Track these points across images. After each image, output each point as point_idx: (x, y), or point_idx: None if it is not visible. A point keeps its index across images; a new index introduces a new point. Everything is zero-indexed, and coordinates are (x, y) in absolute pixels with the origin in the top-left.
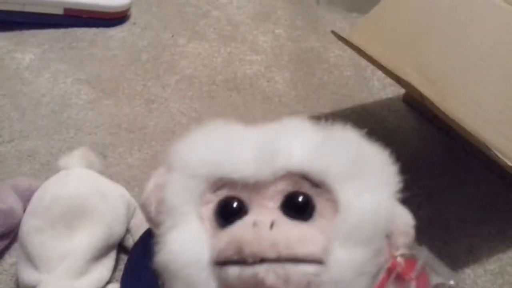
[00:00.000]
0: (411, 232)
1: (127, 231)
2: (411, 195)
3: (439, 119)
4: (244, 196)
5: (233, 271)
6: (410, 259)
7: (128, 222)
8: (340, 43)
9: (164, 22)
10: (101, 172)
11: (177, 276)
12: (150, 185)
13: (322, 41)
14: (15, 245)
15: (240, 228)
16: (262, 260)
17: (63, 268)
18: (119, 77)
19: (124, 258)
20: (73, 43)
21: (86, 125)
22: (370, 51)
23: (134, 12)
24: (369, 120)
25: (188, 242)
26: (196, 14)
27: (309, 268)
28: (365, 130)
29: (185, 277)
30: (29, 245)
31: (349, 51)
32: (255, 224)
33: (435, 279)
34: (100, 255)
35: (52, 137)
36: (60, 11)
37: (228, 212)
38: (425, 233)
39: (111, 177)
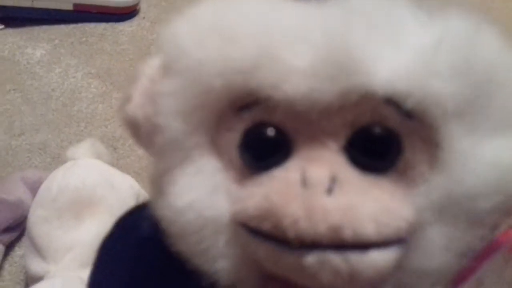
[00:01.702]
0: None
1: None
2: None
3: None
4: (287, 124)
5: (267, 249)
6: None
7: None
8: None
9: (173, 16)
10: (112, 164)
11: (186, 240)
12: (138, 85)
13: None
14: (25, 237)
15: (279, 187)
16: (314, 245)
17: (70, 259)
18: (128, 71)
19: None
20: (83, 38)
21: (96, 118)
22: None
23: (143, 7)
24: None
25: (201, 191)
26: None
27: (385, 255)
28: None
29: (196, 243)
30: (36, 235)
31: None
32: (304, 183)
33: None
34: None
35: (62, 130)
36: (69, 7)
37: (261, 148)
38: None
39: (121, 169)
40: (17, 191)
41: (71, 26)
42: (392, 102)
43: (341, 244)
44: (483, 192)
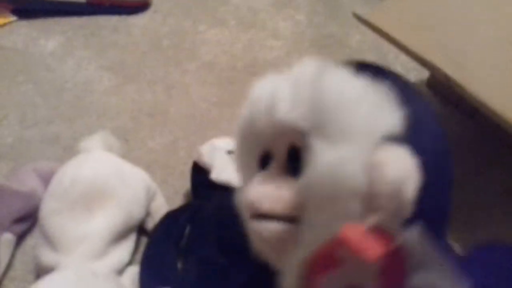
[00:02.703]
0: (402, 195)
1: (148, 214)
2: None
3: (464, 103)
4: (272, 149)
5: (249, 222)
6: (384, 234)
7: (148, 205)
8: (361, 28)
9: (185, 9)
10: (123, 157)
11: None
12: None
13: (343, 27)
14: (37, 227)
15: (249, 185)
16: (256, 216)
17: (81, 250)
18: (140, 64)
19: (144, 240)
20: (95, 31)
21: (109, 111)
22: (393, 33)
23: (155, 0)
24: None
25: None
26: (216, 1)
27: (277, 226)
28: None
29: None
30: (48, 227)
31: (370, 36)
32: (251, 185)
33: (420, 278)
34: (119, 238)
35: (75, 122)
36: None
37: (263, 165)
38: (450, 219)
39: (132, 161)
40: (29, 182)
41: (84, 18)
42: (294, 129)
43: (257, 215)
44: (324, 183)
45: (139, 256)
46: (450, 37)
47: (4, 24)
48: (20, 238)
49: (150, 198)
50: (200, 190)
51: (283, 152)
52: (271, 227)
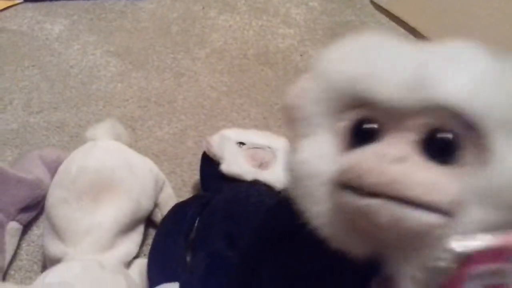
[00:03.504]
0: None
1: (156, 205)
2: None
3: None
4: (382, 120)
5: (348, 197)
6: None
7: (157, 197)
8: (377, 16)
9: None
10: (130, 146)
11: (299, 185)
12: (296, 88)
13: (358, 15)
14: (43, 217)
15: (366, 155)
16: (379, 194)
17: (88, 242)
18: (148, 50)
19: (152, 232)
20: (102, 15)
21: (115, 98)
22: (412, 22)
23: None
24: None
25: (316, 153)
26: None
27: (428, 217)
28: None
29: (305, 188)
30: (54, 217)
31: (387, 24)
32: (382, 155)
33: None
34: (127, 229)
35: (80, 109)
36: None
37: (362, 133)
38: None
39: (139, 150)
40: (35, 170)
41: (90, 2)
42: (457, 115)
43: (397, 198)
44: None
45: (147, 248)
46: (471, 28)
47: (10, 7)
48: (27, 227)
49: (158, 189)
50: (210, 182)
51: (417, 130)
52: (423, 218)
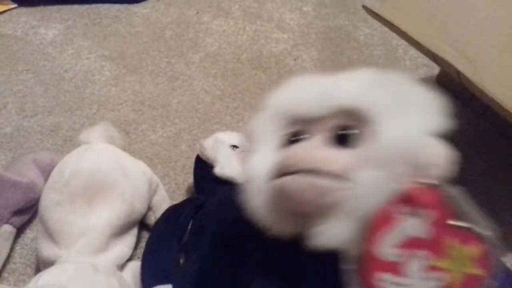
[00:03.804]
0: (443, 165)
1: (149, 208)
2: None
3: (475, 101)
4: (308, 129)
5: (276, 181)
6: (436, 190)
7: (150, 200)
8: (370, 21)
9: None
10: (124, 149)
11: (249, 187)
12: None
13: (351, 19)
14: (36, 220)
15: (291, 149)
16: (295, 172)
17: (82, 244)
18: (142, 54)
19: (146, 235)
20: (96, 19)
21: (109, 102)
22: (404, 27)
23: None
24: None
25: (262, 160)
26: None
27: (324, 181)
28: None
29: (252, 188)
30: (48, 219)
31: (379, 29)
32: (300, 146)
33: (463, 222)
34: (120, 232)
35: (75, 112)
36: None
37: (294, 139)
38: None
39: (133, 154)
40: (29, 173)
41: (85, 7)
42: (355, 113)
43: (306, 171)
44: (392, 151)
45: (140, 251)
46: (462, 32)
47: (4, 11)
48: (20, 230)
49: (152, 192)
50: (203, 184)
51: (326, 129)
52: (326, 183)
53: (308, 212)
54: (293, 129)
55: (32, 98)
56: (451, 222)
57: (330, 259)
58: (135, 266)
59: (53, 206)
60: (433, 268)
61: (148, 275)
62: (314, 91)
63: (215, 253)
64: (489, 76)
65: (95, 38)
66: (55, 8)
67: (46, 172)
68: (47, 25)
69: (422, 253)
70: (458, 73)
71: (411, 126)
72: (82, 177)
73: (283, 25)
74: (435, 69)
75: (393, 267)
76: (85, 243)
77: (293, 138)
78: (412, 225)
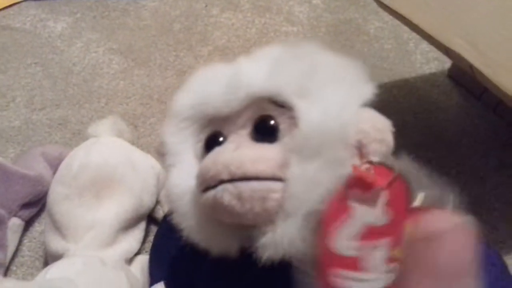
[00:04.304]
0: (387, 139)
1: (157, 202)
2: (456, 174)
3: (487, 95)
4: (224, 129)
5: (203, 196)
6: (384, 168)
7: (158, 193)
8: (381, 14)
9: None
10: (132, 143)
11: (175, 207)
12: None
13: (361, 12)
14: (45, 213)
15: (208, 157)
16: (221, 182)
17: (90, 238)
18: (151, 47)
19: (154, 229)
20: (105, 13)
21: (117, 95)
22: (416, 19)
23: None
24: (411, 96)
25: (183, 176)
26: None
27: (259, 185)
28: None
29: (179, 208)
30: (56, 213)
31: (390, 22)
32: (217, 152)
33: (421, 193)
34: (128, 226)
35: (83, 106)
36: None
37: (212, 145)
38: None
39: (142, 147)
40: (37, 166)
41: (93, 0)
42: (270, 100)
43: (234, 178)
44: (316, 136)
45: (148, 245)
46: (475, 25)
47: (13, 4)
48: (29, 223)
49: (160, 186)
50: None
51: (246, 124)
52: (257, 187)
53: (249, 222)
54: (209, 131)
55: (41, 92)
56: (407, 202)
57: (287, 269)
58: (144, 260)
59: (61, 199)
60: (393, 258)
61: (156, 269)
62: (218, 84)
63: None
64: (503, 69)
65: (103, 31)
66: (63, 1)
67: (55, 165)
68: (56, 18)
69: (382, 242)
70: (471, 66)
71: (333, 104)
72: (90, 171)
73: (292, 18)
74: (447, 63)
75: (353, 262)
76: (93, 237)
77: (211, 142)
78: (366, 212)
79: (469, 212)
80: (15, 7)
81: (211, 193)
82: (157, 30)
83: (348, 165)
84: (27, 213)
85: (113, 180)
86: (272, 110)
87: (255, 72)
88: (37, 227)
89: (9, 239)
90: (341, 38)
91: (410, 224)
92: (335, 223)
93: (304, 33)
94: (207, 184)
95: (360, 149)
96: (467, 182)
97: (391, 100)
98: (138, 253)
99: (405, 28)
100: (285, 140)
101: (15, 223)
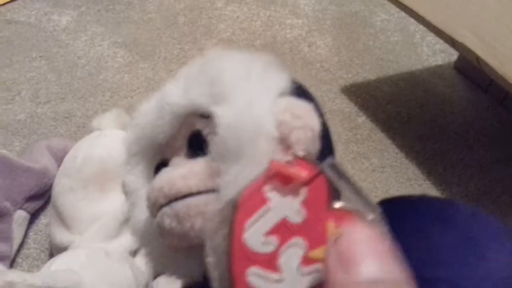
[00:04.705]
0: (309, 123)
1: None
2: (462, 167)
3: (494, 88)
4: (168, 155)
5: (154, 221)
6: (306, 163)
7: None
8: (387, 6)
9: None
10: None
11: (141, 243)
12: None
13: (367, 5)
14: (50, 206)
15: (148, 187)
16: (161, 207)
17: (94, 230)
18: (155, 41)
19: None
20: (109, 6)
21: (122, 89)
22: (422, 11)
23: None
24: (417, 88)
25: (143, 212)
26: None
27: (193, 200)
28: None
29: (145, 243)
30: (61, 205)
31: (396, 15)
32: (156, 178)
33: (342, 203)
34: None
35: (88, 99)
36: None
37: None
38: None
39: None
40: (42, 159)
41: None
42: (193, 115)
43: (170, 200)
44: (228, 139)
45: None
46: (482, 17)
47: None
48: (34, 216)
49: None
50: None
51: (182, 144)
52: (192, 202)
53: (198, 241)
54: (157, 161)
55: (46, 85)
56: (328, 202)
57: None
58: None
59: (65, 191)
60: (310, 259)
61: None
62: (151, 113)
63: None
64: (509, 61)
65: (108, 25)
66: None
67: (60, 158)
68: (61, 11)
69: (297, 241)
70: (478, 58)
71: (243, 101)
72: (94, 163)
73: (297, 10)
74: (453, 55)
75: (266, 260)
76: (97, 229)
77: (158, 171)
78: (283, 205)
79: (475, 203)
80: (19, 1)
81: (155, 221)
82: (161, 23)
83: (274, 159)
84: (33, 205)
85: (116, 173)
86: (199, 124)
87: (174, 92)
88: (42, 219)
89: (14, 231)
90: (347, 31)
91: (332, 225)
92: (250, 216)
93: (309, 26)
94: (151, 212)
95: (285, 141)
96: (473, 174)
97: (397, 92)
98: None
99: (411, 21)
100: (211, 149)
101: (21, 215)
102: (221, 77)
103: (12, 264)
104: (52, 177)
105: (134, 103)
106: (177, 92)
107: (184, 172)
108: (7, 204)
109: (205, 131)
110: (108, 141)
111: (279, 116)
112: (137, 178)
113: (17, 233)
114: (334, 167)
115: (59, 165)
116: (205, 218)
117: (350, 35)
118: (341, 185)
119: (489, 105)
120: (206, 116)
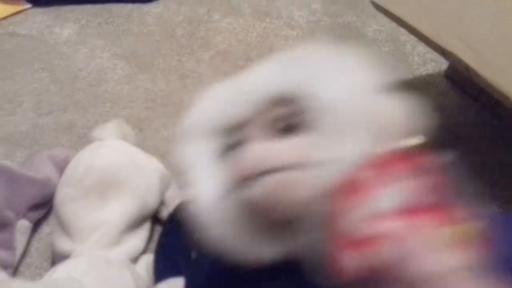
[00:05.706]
0: (405, 120)
1: (162, 203)
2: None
3: (484, 96)
4: (244, 133)
5: (240, 197)
6: (411, 153)
7: (163, 194)
8: (378, 17)
9: None
10: (137, 146)
11: (205, 220)
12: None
13: (360, 16)
14: (52, 215)
15: (237, 158)
16: (253, 179)
17: (96, 238)
18: (154, 53)
19: (159, 229)
20: (109, 19)
21: (122, 99)
22: (412, 21)
23: None
24: (409, 97)
25: (209, 189)
26: None
27: (283, 176)
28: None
29: (211, 219)
30: (62, 214)
31: (388, 25)
32: (248, 150)
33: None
34: (134, 226)
35: (88, 110)
36: None
37: (233, 149)
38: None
39: (146, 150)
40: (44, 169)
41: (98, 6)
42: (287, 98)
43: (261, 174)
44: (337, 121)
45: (153, 245)
46: (471, 27)
47: (19, 12)
48: (37, 225)
49: (164, 187)
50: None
51: (267, 125)
52: (286, 177)
53: (288, 217)
54: (228, 140)
55: (48, 96)
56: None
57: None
58: (149, 259)
59: (67, 201)
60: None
61: (161, 268)
62: (231, 94)
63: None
64: (498, 70)
65: (108, 37)
66: (69, 8)
67: (61, 167)
68: (62, 24)
69: (398, 225)
70: (467, 68)
71: (343, 89)
72: (96, 173)
73: (291, 22)
74: (444, 64)
75: (364, 243)
76: (98, 237)
77: (232, 149)
78: (383, 193)
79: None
80: (21, 14)
81: (246, 193)
82: (160, 36)
83: (373, 146)
84: (35, 215)
85: (118, 182)
86: (282, 109)
87: (266, 75)
88: (44, 229)
89: (17, 240)
90: (340, 41)
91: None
92: (352, 204)
93: (303, 37)
94: (243, 182)
95: (385, 133)
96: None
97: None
98: (143, 252)
99: (402, 31)
100: (308, 131)
101: (23, 225)
102: (320, 65)
103: (15, 272)
104: (54, 187)
105: (134, 113)
106: (269, 76)
107: (279, 148)
108: (10, 214)
109: (291, 114)
110: (109, 151)
111: (374, 109)
112: (200, 156)
113: (20, 242)
114: (451, 159)
115: (61, 175)
116: (298, 194)
117: (343, 45)
118: (456, 177)
119: (479, 112)
120: (289, 103)
